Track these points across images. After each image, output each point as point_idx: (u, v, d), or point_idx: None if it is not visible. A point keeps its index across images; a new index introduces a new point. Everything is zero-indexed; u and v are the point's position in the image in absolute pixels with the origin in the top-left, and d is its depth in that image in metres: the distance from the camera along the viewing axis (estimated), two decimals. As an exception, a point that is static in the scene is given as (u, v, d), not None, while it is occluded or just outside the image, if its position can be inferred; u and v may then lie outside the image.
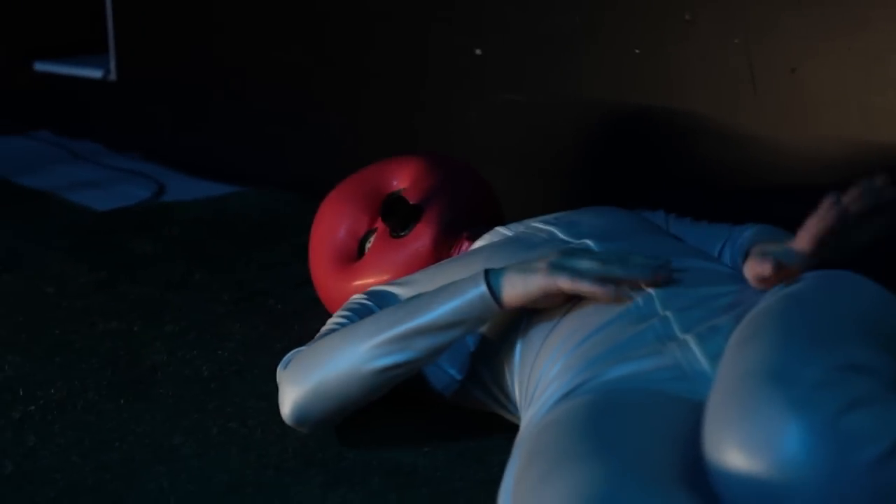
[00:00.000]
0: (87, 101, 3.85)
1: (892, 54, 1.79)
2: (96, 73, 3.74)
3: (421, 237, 1.77)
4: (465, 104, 2.58)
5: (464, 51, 2.53)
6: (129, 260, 2.45)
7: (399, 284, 1.64)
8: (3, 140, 3.81)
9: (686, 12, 2.07)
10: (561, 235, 1.60)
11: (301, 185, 2.86)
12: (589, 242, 1.55)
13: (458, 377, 1.58)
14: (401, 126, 2.77)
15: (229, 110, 3.33)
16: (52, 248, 2.55)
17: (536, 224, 1.67)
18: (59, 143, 3.82)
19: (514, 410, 1.53)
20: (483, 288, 1.41)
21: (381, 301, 1.62)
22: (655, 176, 2.17)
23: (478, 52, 2.50)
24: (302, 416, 1.50)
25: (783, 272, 1.27)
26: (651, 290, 1.35)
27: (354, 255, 1.84)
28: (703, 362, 1.20)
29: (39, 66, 4.02)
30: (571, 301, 1.41)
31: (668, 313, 1.29)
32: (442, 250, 1.77)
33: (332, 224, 1.86)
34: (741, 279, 1.38)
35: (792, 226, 1.37)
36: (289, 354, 1.57)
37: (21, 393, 1.75)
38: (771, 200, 1.98)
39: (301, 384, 1.49)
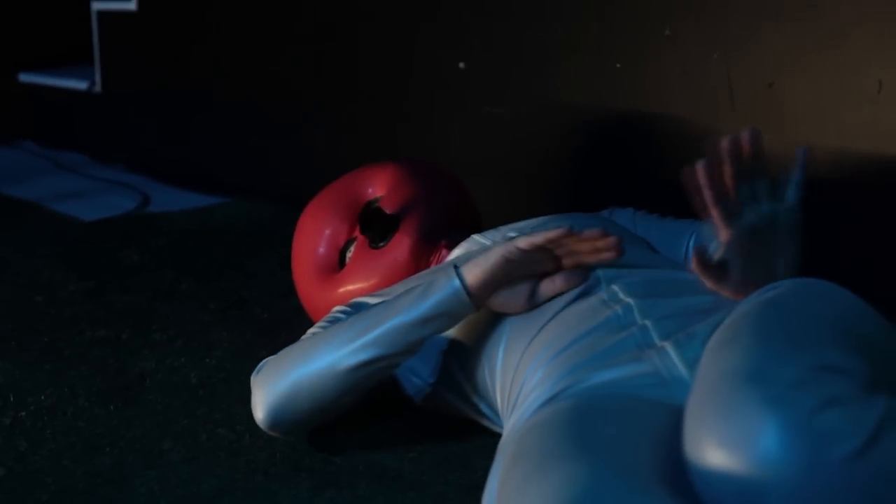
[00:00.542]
0: (72, 112, 3.85)
1: (867, 69, 1.82)
2: (81, 85, 3.75)
3: (399, 246, 1.79)
4: (449, 116, 2.60)
5: (447, 64, 2.55)
6: (116, 269, 2.47)
7: (380, 296, 1.65)
8: (-13, 151, 3.83)
9: (666, 27, 2.10)
10: None
11: (286, 195, 2.87)
12: None
13: (431, 381, 1.60)
14: (385, 138, 2.79)
15: (213, 122, 3.34)
16: (39, 257, 2.57)
17: (511, 233, 1.70)
18: (44, 154, 3.83)
19: (490, 416, 1.55)
20: (452, 278, 1.45)
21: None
22: (636, 185, 2.20)
23: (461, 65, 2.52)
24: (276, 417, 1.51)
25: (702, 260, 1.33)
26: (631, 301, 1.37)
27: (336, 265, 1.85)
28: (681, 368, 1.22)
29: (24, 78, 4.02)
30: (548, 303, 1.45)
31: (647, 322, 1.32)
32: (421, 258, 1.79)
33: (312, 235, 1.87)
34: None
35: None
36: (261, 362, 1.58)
37: (11, 399, 1.76)
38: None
39: (273, 385, 1.51)
